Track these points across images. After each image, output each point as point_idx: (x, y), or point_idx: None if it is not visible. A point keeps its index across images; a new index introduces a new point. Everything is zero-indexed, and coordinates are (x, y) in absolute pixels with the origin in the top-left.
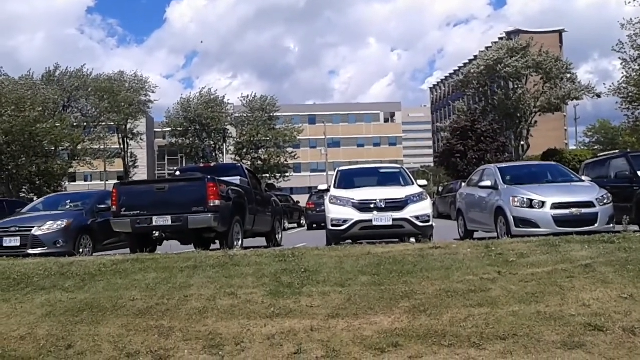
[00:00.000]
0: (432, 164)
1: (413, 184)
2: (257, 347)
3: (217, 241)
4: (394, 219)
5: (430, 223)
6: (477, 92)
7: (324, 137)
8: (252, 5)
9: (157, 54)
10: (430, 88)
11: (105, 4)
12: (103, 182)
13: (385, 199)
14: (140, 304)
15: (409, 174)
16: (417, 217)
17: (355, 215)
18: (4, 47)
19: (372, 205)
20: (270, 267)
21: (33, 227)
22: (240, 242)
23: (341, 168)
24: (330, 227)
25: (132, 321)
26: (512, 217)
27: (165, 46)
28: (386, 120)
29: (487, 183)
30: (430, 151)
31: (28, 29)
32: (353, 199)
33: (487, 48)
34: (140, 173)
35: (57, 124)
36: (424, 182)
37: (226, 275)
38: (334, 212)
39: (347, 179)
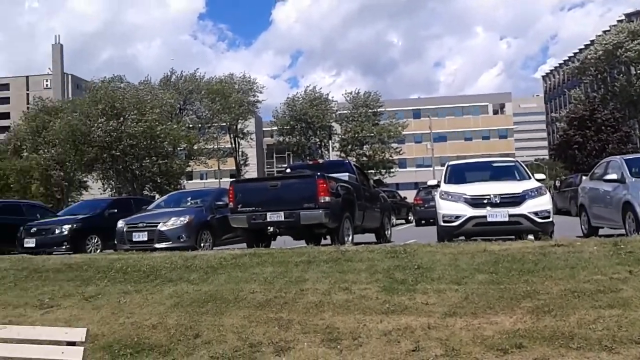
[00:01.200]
0: (546, 157)
1: (530, 178)
2: (374, 343)
3: (327, 237)
4: (510, 215)
5: (550, 219)
6: (595, 79)
7: (429, 131)
8: (355, 2)
9: (264, 56)
10: (543, 76)
11: (215, 10)
12: (217, 180)
13: (500, 194)
14: (260, 297)
15: (525, 167)
16: (535, 213)
17: (468, 211)
18: (124, 56)
19: (485, 201)
20: (383, 263)
21: (159, 223)
22: (350, 238)
23: (451, 162)
24: (442, 224)
25: (253, 313)
26: None
27: (271, 47)
28: (495, 112)
29: (613, 176)
30: (545, 143)
31: (145, 38)
32: (465, 194)
33: (605, 32)
34: (250, 171)
35: (175, 126)
36: (541, 175)
37: (339, 270)
38: (445, 207)
39: (458, 174)
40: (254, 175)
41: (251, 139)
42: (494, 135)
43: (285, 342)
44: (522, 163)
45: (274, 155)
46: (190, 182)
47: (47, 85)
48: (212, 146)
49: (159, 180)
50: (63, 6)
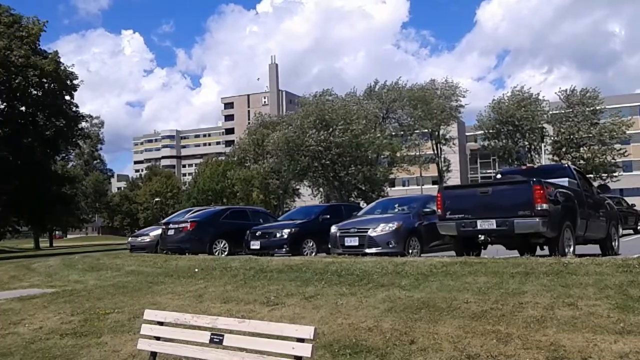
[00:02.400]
0: None
1: None
2: None
3: (544, 247)
4: None
5: None
6: None
7: None
8: None
9: (467, 58)
10: None
11: (419, 18)
12: (419, 187)
13: None
14: (474, 307)
15: None
16: None
17: None
18: (332, 69)
19: None
20: (614, 278)
21: (369, 229)
22: (571, 249)
23: None
24: None
25: (469, 323)
26: None
27: (475, 49)
28: None
29: None
30: None
31: (351, 50)
32: None
33: None
34: (453, 177)
35: (378, 135)
36: None
37: (562, 284)
38: None
39: None
40: (457, 181)
41: (454, 144)
42: None
43: (505, 357)
44: None
45: (478, 160)
46: (392, 189)
47: (264, 102)
48: (414, 153)
49: (363, 188)
50: (278, 27)
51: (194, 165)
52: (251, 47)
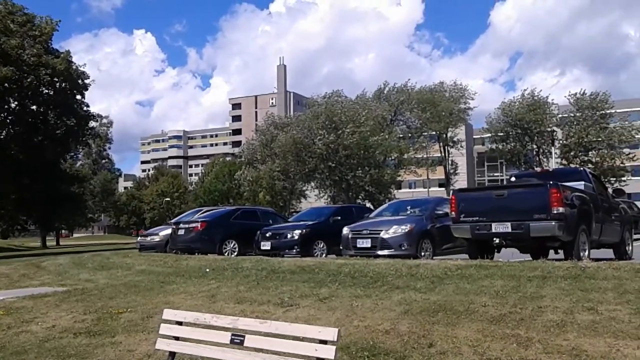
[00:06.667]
0: None
1: None
2: None
3: (559, 251)
4: None
5: None
6: None
7: None
8: None
9: (480, 60)
10: None
11: (433, 19)
12: (426, 189)
13: None
14: (493, 311)
15: None
16: None
17: None
18: (342, 69)
19: None
20: (633, 283)
21: (381, 230)
22: (587, 253)
23: None
24: None
25: (487, 327)
26: None
27: (488, 50)
28: None
29: None
30: None
31: (363, 51)
32: None
33: None
34: (460, 180)
35: (386, 137)
36: None
37: (581, 288)
38: None
39: None
40: (464, 184)
41: (461, 147)
42: None
43: None
44: None
45: (485, 163)
46: (399, 191)
47: (272, 103)
48: (421, 155)
49: (370, 189)
50: (291, 26)
51: (200, 165)
52: (262, 47)
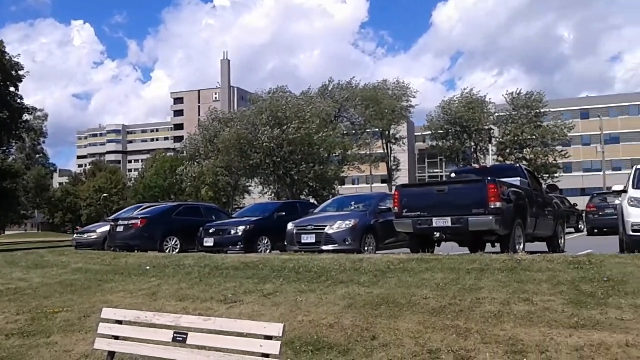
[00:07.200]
0: None
1: None
2: (565, 358)
3: (495, 244)
4: None
5: None
6: None
7: (599, 132)
8: None
9: (422, 59)
10: None
11: (378, 18)
12: (369, 185)
13: None
14: (433, 303)
15: None
16: None
17: None
18: (287, 65)
19: None
20: (566, 274)
21: (325, 226)
22: (522, 246)
23: None
24: (631, 233)
25: (428, 319)
26: None
27: (430, 50)
28: None
29: None
30: None
31: (308, 47)
32: None
33: None
34: (402, 176)
35: (330, 133)
36: None
37: (517, 280)
38: (635, 215)
39: None
40: (405, 180)
41: (403, 143)
42: None
43: (465, 351)
44: None
45: (426, 160)
46: (342, 187)
47: (215, 97)
48: (364, 151)
49: (314, 185)
50: (235, 21)
51: (140, 160)
52: (206, 41)
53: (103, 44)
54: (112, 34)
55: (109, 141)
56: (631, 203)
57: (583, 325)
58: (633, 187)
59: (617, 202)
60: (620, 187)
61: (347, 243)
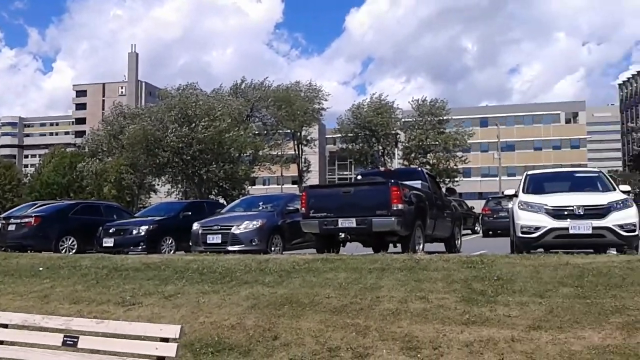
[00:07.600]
0: (620, 169)
1: (615, 189)
2: (456, 353)
3: (397, 245)
4: (594, 228)
5: (636, 233)
6: None
7: (496, 140)
8: (432, 7)
9: (335, 62)
10: (620, 85)
11: (292, 19)
12: (280, 186)
13: (584, 206)
14: (335, 302)
15: (610, 178)
16: (621, 226)
17: (549, 223)
18: (199, 62)
19: (567, 212)
20: (460, 273)
21: (232, 226)
22: (421, 247)
23: (531, 172)
24: (520, 235)
25: (329, 317)
26: None
27: (343, 54)
28: (568, 121)
29: None
30: (619, 154)
31: (221, 45)
32: (546, 204)
33: None
34: (312, 178)
35: (242, 133)
36: (627, 187)
37: (415, 278)
38: (524, 218)
39: (538, 184)
40: (316, 181)
41: (314, 145)
42: (566, 145)
43: (363, 348)
44: (606, 174)
45: (336, 162)
46: (253, 187)
47: (122, 92)
48: (276, 152)
49: (224, 185)
50: (146, 13)
51: (38, 156)
52: (113, 33)
53: (1, 31)
54: (12, 21)
55: (4, 134)
56: (521, 207)
57: (474, 321)
58: (523, 192)
59: (510, 205)
60: (512, 192)
61: (254, 243)
